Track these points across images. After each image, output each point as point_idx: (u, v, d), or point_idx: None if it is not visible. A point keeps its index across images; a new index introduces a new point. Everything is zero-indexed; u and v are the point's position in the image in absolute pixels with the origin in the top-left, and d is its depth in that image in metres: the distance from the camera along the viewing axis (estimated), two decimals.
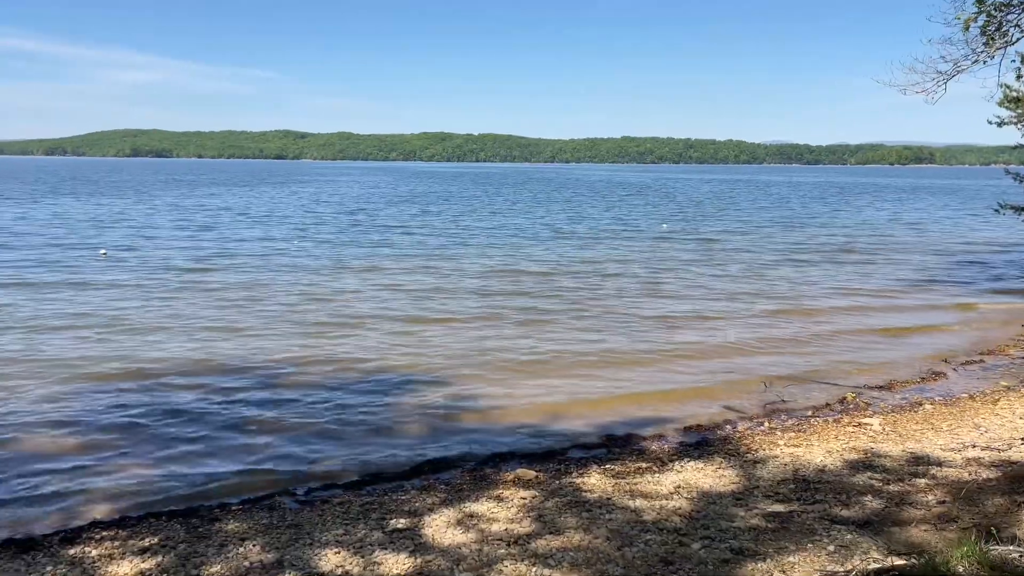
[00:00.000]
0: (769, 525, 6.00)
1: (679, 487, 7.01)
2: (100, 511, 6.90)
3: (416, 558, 5.56)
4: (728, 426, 9.43)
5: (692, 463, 7.79)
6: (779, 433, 9.00)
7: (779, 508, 6.39)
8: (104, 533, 6.29)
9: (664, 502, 6.62)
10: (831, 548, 5.45)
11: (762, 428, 9.31)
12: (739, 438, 8.81)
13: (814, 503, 6.51)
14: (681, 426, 9.41)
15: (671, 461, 7.93)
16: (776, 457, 7.90)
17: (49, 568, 5.53)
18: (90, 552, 5.84)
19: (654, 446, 8.62)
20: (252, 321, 14.92)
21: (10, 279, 19.41)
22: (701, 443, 8.69)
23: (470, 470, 7.87)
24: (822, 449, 8.18)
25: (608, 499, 6.71)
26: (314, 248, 27.54)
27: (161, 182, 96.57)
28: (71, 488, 7.39)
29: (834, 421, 9.56)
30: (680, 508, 6.45)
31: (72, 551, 5.87)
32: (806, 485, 6.98)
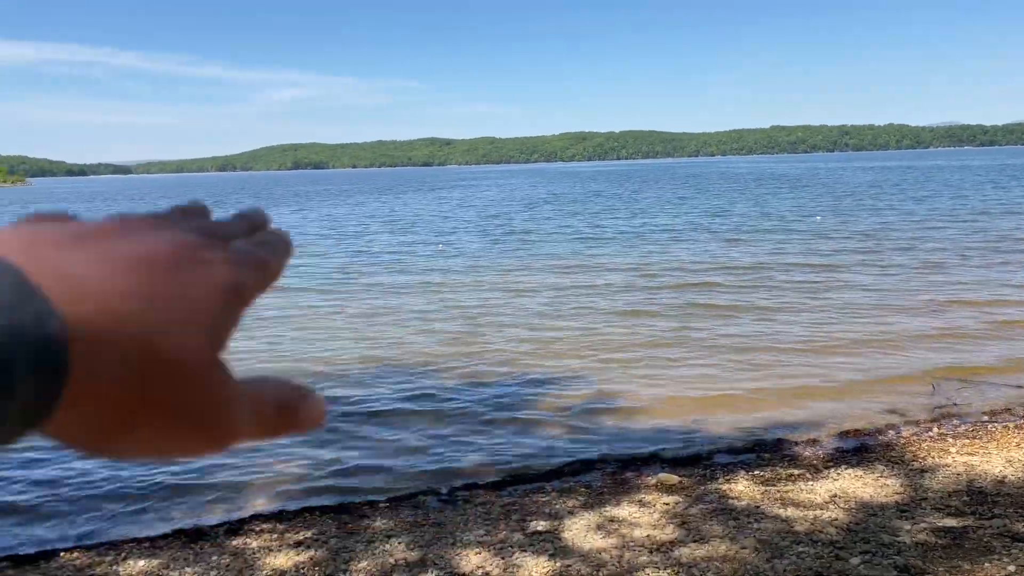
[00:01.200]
0: (939, 541, 5.49)
1: (835, 496, 6.57)
2: (260, 504, 7.33)
3: (556, 561, 5.51)
4: (891, 431, 8.75)
5: (850, 471, 7.28)
6: (950, 440, 8.24)
7: (951, 522, 5.85)
8: (263, 526, 6.66)
9: (818, 512, 6.22)
10: (1011, 568, 4.92)
11: (930, 434, 8.56)
12: (903, 444, 8.15)
13: (992, 518, 5.90)
14: (837, 430, 8.83)
15: (826, 468, 7.45)
16: (947, 466, 7.25)
17: (214, 558, 5.92)
18: (251, 544, 6.20)
19: (807, 451, 8.13)
20: (391, 320, 15.45)
21: None
22: (860, 449, 8.11)
23: (611, 473, 7.73)
24: (1002, 458, 7.42)
25: (757, 507, 6.39)
26: (455, 250, 28.23)
27: (320, 192, 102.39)
28: (235, 480, 7.90)
29: (1015, 427, 8.65)
30: (836, 519, 6.04)
31: (235, 542, 6.26)
32: (983, 498, 6.35)
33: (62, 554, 6.30)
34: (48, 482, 8.05)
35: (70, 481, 8.06)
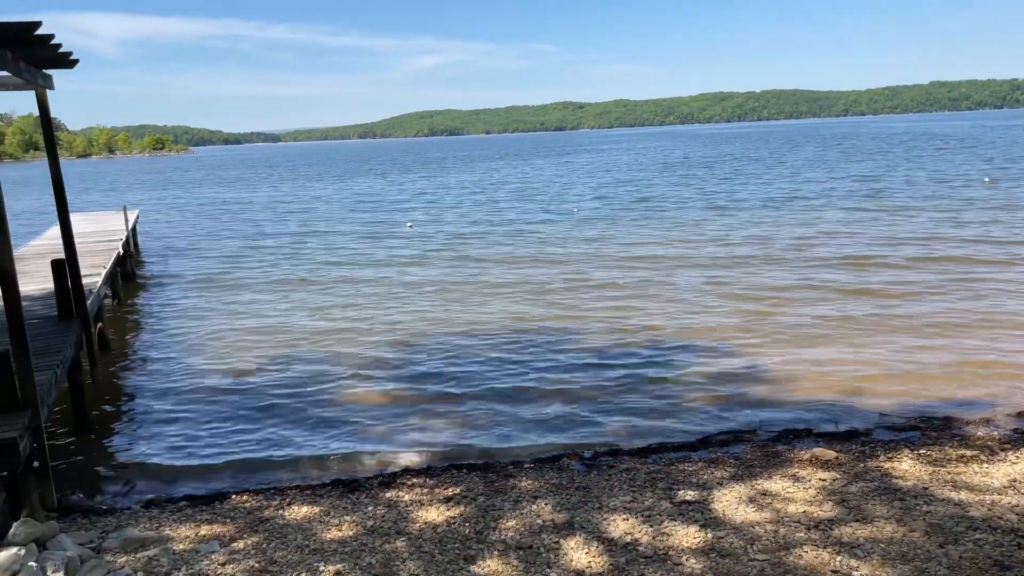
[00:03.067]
0: None
1: (1015, 481, 6.04)
2: (410, 460, 7.59)
3: (707, 533, 5.38)
4: None
5: None
6: None
7: None
8: (414, 480, 6.89)
9: (996, 496, 5.74)
10: None
11: None
12: None
13: None
14: (1015, 411, 8.12)
15: (1003, 451, 6.87)
16: None
17: (370, 508, 6.17)
18: (403, 496, 6.43)
19: (980, 431, 7.52)
20: (549, 289, 15.53)
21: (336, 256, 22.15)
22: None
23: (760, 445, 7.46)
24: None
25: (925, 488, 5.98)
26: (586, 219, 27.99)
27: (454, 159, 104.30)
28: (388, 436, 8.23)
29: None
30: (1017, 506, 5.55)
31: (388, 494, 6.51)
32: None
33: (233, 496, 6.76)
34: (213, 431, 8.68)
35: (233, 430, 8.66)
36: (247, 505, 6.47)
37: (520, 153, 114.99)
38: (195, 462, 7.87)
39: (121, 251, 16.43)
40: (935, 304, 12.75)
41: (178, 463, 7.85)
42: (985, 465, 6.48)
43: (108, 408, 9.60)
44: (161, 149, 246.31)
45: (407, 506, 6.21)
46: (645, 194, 35.86)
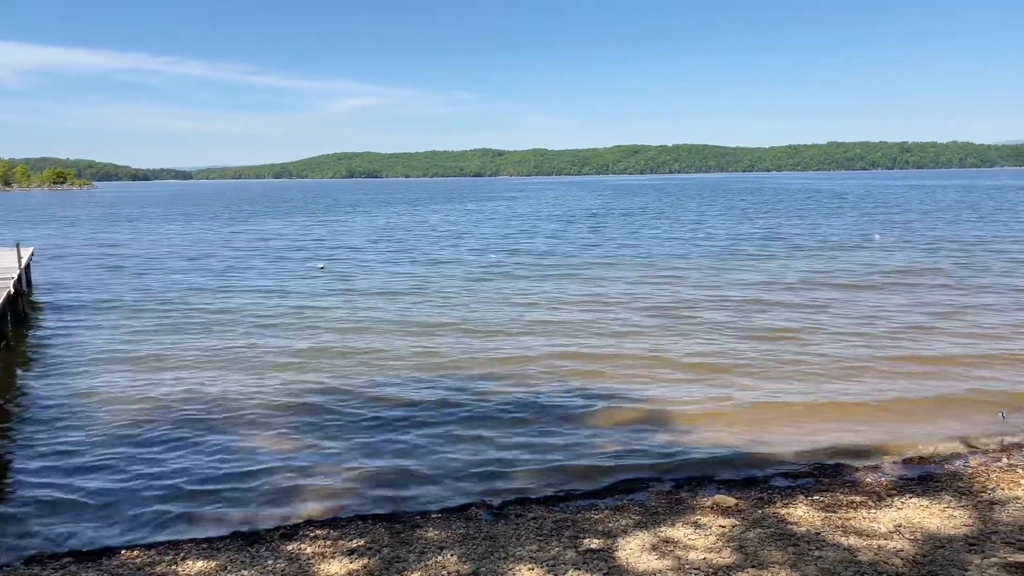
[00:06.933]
0: None
1: (900, 526, 6.35)
2: (314, 510, 7.40)
3: None
4: (957, 460, 8.45)
5: (915, 500, 7.04)
6: (1021, 471, 7.91)
7: (1023, 558, 5.59)
8: (318, 532, 6.72)
9: (882, 542, 6.02)
10: None
11: (999, 464, 8.24)
12: (971, 474, 7.86)
13: None
14: (900, 457, 8.57)
15: (889, 496, 7.22)
16: (1018, 499, 6.95)
17: (270, 562, 5.98)
18: (305, 549, 6.25)
19: (869, 478, 7.90)
20: (440, 337, 15.50)
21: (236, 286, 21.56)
22: (925, 478, 7.85)
23: (665, 492, 7.62)
24: None
25: (817, 534, 6.21)
26: (487, 263, 28.27)
27: (377, 202, 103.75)
28: (290, 486, 8.00)
29: None
30: (902, 550, 5.83)
31: (290, 547, 6.32)
32: None
33: (123, 552, 6.44)
34: (105, 479, 8.26)
35: (127, 479, 8.26)
36: (138, 561, 6.17)
37: (441, 198, 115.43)
38: (82, 515, 7.45)
39: (12, 289, 15.59)
40: (822, 347, 13.36)
41: (63, 516, 7.42)
42: (873, 511, 6.79)
43: None
44: (63, 183, 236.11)
45: (309, 559, 6.04)
46: (560, 236, 36.48)
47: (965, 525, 6.34)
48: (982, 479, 7.65)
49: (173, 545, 6.53)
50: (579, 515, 6.99)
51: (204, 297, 20.88)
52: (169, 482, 8.16)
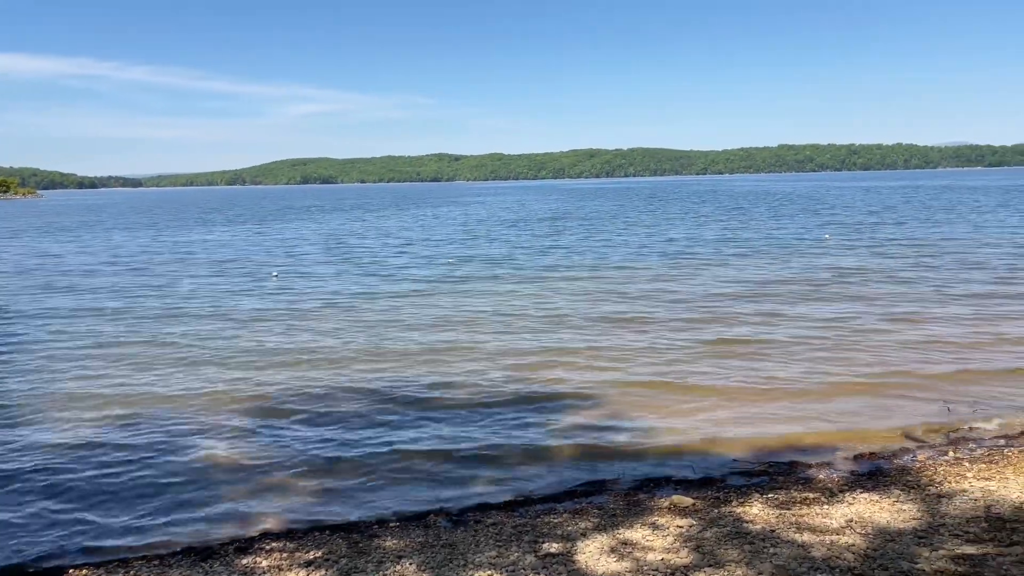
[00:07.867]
0: (958, 569, 5.41)
1: (851, 521, 6.49)
2: (270, 522, 7.27)
3: None
4: (906, 455, 8.66)
5: (865, 495, 7.20)
6: (967, 464, 8.15)
7: (970, 550, 5.76)
8: (273, 544, 6.61)
9: (835, 537, 6.14)
10: None
11: (946, 458, 8.47)
12: (919, 469, 8.06)
13: (1011, 544, 5.82)
14: (851, 454, 8.75)
15: (841, 492, 7.37)
16: (964, 491, 7.15)
17: None
18: (261, 563, 6.15)
19: (821, 475, 8.05)
20: (395, 343, 15.40)
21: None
22: (875, 473, 8.03)
23: (623, 494, 7.66)
24: (1019, 484, 7.32)
25: (772, 531, 6.31)
26: (438, 270, 28.23)
27: (329, 209, 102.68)
28: (244, 498, 7.86)
29: None
30: (853, 545, 5.96)
31: (245, 560, 6.21)
32: (1001, 524, 6.26)
33: (70, 571, 6.26)
34: (47, 496, 8.02)
35: (70, 496, 8.03)
36: None
37: (395, 203, 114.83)
38: (23, 535, 7.20)
39: None
40: (744, 350, 13.57)
41: (7, 536, 7.17)
42: (825, 507, 6.92)
43: None
44: (6, 192, 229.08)
45: (264, 572, 5.95)
46: (515, 245, 36.58)
47: (914, 519, 6.49)
48: (929, 473, 7.85)
49: (123, 563, 6.35)
50: (538, 519, 6.99)
51: (148, 303, 20.43)
52: (116, 497, 7.94)
